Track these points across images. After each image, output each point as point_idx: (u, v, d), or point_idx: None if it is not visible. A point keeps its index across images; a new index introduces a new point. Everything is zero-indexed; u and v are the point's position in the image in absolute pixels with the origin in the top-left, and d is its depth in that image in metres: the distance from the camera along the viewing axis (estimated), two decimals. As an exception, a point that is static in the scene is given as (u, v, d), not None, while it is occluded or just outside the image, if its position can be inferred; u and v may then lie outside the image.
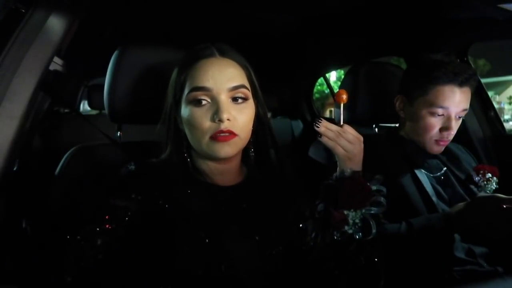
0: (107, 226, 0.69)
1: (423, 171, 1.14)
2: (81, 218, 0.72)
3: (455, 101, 1.06)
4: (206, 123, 0.72)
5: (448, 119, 1.08)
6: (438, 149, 1.13)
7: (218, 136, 0.72)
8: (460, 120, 1.12)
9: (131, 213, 0.70)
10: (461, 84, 1.06)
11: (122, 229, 0.70)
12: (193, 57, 0.77)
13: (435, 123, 1.09)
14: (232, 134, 0.73)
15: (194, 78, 0.74)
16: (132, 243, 0.69)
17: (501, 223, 0.86)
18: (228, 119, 0.72)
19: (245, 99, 0.76)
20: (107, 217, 0.70)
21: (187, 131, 0.77)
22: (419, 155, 1.16)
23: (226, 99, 0.73)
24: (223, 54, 0.78)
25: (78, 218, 0.73)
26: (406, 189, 1.09)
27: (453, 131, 1.10)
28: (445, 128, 1.08)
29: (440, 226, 0.95)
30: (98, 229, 0.69)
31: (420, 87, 1.10)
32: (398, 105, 1.19)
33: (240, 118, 0.74)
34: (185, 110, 0.75)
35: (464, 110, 1.09)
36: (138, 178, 0.74)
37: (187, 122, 0.75)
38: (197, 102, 0.73)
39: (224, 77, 0.74)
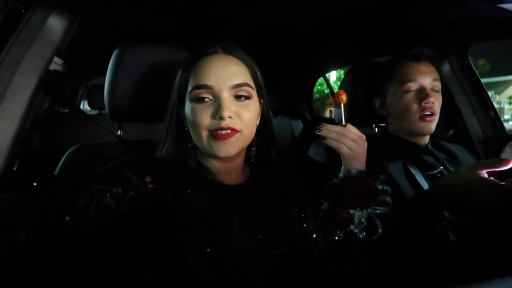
0: (114, 190, 0.66)
1: (417, 169, 1.13)
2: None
3: (420, 73, 1.14)
4: (206, 120, 0.72)
5: (422, 89, 1.13)
6: (427, 126, 1.13)
7: (218, 134, 0.71)
8: (440, 96, 1.15)
9: (140, 195, 0.68)
10: (417, 59, 1.16)
11: (127, 204, 0.67)
12: (197, 54, 0.77)
13: (412, 98, 1.14)
14: (233, 131, 0.72)
15: (196, 76, 0.74)
16: (131, 233, 0.67)
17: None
18: (229, 117, 0.71)
19: (248, 97, 0.75)
20: (116, 183, 0.67)
21: (190, 129, 0.77)
22: (412, 151, 1.17)
23: (228, 97, 0.73)
24: (227, 51, 0.77)
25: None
26: (401, 188, 1.08)
27: (433, 100, 1.12)
28: (423, 98, 1.12)
29: (422, 199, 0.94)
30: (102, 191, 0.66)
31: (388, 76, 1.20)
32: (377, 105, 1.26)
33: (244, 115, 0.74)
34: (187, 108, 0.75)
35: (434, 80, 1.14)
36: (149, 167, 0.73)
37: (189, 120, 0.75)
38: (199, 100, 0.73)
39: (226, 74, 0.74)
